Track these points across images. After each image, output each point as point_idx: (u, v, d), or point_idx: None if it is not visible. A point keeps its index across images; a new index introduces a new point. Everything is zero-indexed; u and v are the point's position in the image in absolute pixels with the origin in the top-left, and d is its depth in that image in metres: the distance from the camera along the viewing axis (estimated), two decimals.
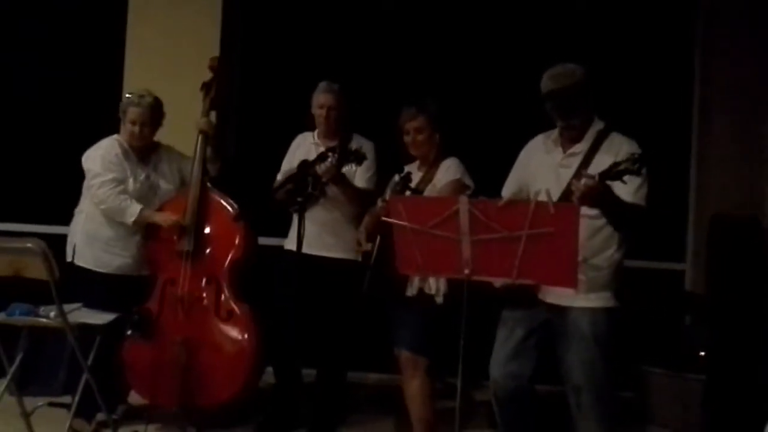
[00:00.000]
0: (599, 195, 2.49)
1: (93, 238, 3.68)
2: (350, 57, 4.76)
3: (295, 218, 3.63)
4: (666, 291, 4.51)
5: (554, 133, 2.92)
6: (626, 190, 2.65)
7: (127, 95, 3.74)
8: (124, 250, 3.70)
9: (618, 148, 2.75)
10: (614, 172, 2.49)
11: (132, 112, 3.67)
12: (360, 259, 3.34)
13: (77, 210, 3.78)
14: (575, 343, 2.76)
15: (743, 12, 4.40)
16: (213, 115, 4.01)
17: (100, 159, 3.66)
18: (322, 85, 3.80)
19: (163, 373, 3.58)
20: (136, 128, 3.67)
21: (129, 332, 3.59)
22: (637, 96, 4.53)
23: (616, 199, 2.59)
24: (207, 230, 3.75)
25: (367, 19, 4.83)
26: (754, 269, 4.00)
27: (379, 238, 3.14)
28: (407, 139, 3.33)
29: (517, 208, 2.45)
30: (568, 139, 2.86)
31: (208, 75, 3.94)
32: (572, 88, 2.78)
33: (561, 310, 2.79)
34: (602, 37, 4.66)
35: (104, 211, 3.65)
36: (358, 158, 3.31)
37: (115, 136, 3.76)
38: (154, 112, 3.72)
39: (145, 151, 3.77)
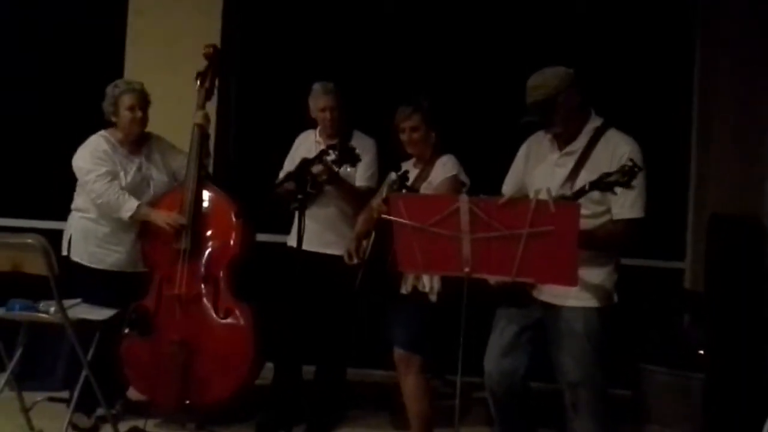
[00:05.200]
0: None
1: (88, 235, 3.65)
2: (350, 53, 4.76)
3: (297, 215, 3.63)
4: (665, 289, 4.52)
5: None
6: (620, 202, 2.67)
7: (114, 86, 3.66)
8: (118, 247, 3.67)
9: (614, 147, 2.74)
10: (604, 183, 2.50)
11: (129, 98, 3.63)
12: (355, 261, 3.30)
13: (72, 207, 3.74)
14: (568, 342, 2.76)
15: (743, 11, 4.39)
16: (212, 108, 3.96)
17: (89, 155, 3.62)
18: (318, 87, 3.77)
19: (161, 372, 3.56)
20: (138, 113, 3.64)
21: (126, 330, 3.57)
22: (636, 95, 4.52)
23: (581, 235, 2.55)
24: (204, 228, 3.69)
25: (366, 15, 4.83)
26: (753, 268, 4.00)
27: (373, 234, 3.14)
28: (403, 137, 3.34)
29: (517, 206, 2.44)
30: (564, 139, 2.85)
31: (203, 64, 3.82)
32: (543, 102, 2.75)
33: (554, 309, 2.79)
34: (602, 36, 4.65)
35: (100, 205, 3.60)
36: (353, 159, 3.29)
37: (101, 132, 3.70)
38: (146, 96, 3.70)
39: (135, 142, 3.73)
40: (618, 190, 2.54)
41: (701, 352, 3.95)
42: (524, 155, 3.00)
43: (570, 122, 2.81)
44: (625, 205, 2.69)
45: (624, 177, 2.46)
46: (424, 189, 3.24)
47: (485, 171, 3.30)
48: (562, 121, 2.79)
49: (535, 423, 3.04)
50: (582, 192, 2.57)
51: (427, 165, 3.34)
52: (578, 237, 2.48)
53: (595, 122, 2.84)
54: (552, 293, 2.77)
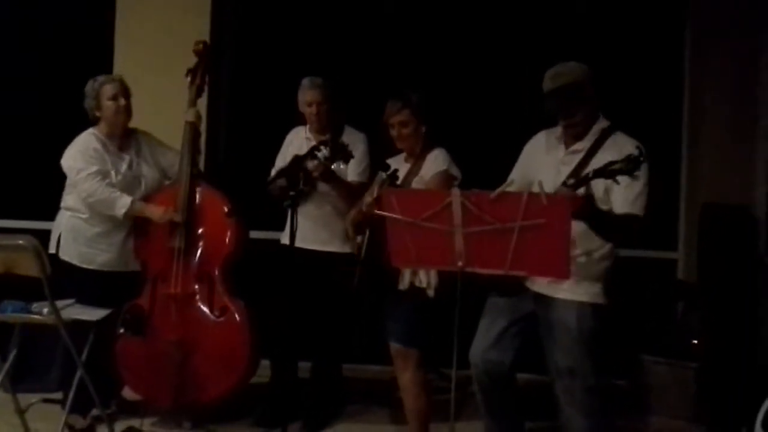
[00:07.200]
0: (582, 207, 2.49)
1: (77, 234, 3.63)
2: (341, 49, 4.74)
3: (290, 213, 3.63)
4: (659, 280, 4.53)
5: (558, 130, 2.92)
6: (623, 197, 2.67)
7: (93, 81, 3.64)
8: (109, 246, 3.65)
9: (620, 148, 2.72)
10: (608, 171, 2.49)
11: (110, 88, 3.62)
12: (355, 252, 3.32)
13: (62, 205, 3.73)
14: (561, 335, 2.77)
15: (734, 3, 4.40)
16: (203, 105, 3.95)
17: (80, 154, 3.59)
18: (306, 82, 3.77)
19: (157, 371, 3.56)
20: (121, 101, 3.62)
21: (121, 330, 3.57)
22: (627, 85, 4.52)
23: (599, 212, 2.58)
24: (198, 226, 3.68)
25: (357, 10, 4.81)
26: (745, 257, 4.02)
27: (368, 231, 3.14)
28: (393, 133, 3.32)
29: (509, 200, 2.44)
30: (571, 137, 2.86)
31: (193, 61, 3.82)
32: (570, 87, 2.77)
33: (547, 301, 2.81)
34: (592, 28, 4.65)
35: (93, 204, 3.58)
36: (345, 156, 3.29)
37: (90, 130, 3.68)
38: (127, 88, 3.68)
39: (123, 138, 3.71)
40: (621, 182, 2.53)
41: (695, 341, 3.97)
42: (527, 154, 3.01)
43: (586, 114, 2.82)
44: (627, 200, 2.69)
45: (628, 165, 2.46)
46: (416, 184, 3.23)
47: (477, 164, 3.30)
48: (581, 110, 2.80)
49: (525, 415, 3.05)
50: (586, 179, 2.56)
51: (418, 160, 3.33)
52: (608, 218, 2.52)
53: (602, 124, 2.86)
54: (544, 284, 2.79)
